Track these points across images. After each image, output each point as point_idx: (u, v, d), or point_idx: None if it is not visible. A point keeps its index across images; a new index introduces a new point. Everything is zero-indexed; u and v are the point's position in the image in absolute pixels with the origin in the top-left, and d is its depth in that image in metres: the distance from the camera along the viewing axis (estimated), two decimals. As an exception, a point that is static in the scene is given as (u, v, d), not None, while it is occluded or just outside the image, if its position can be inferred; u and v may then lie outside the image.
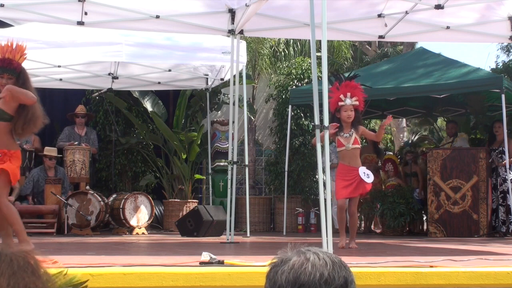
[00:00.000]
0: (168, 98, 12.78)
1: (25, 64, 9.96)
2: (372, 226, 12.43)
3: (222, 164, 11.78)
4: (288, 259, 1.61)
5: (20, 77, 5.67)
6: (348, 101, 7.00)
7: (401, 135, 17.40)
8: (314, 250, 1.63)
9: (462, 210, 9.91)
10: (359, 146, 7.18)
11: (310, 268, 1.58)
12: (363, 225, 12.14)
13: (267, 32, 9.32)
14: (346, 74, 12.11)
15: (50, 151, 10.19)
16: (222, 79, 11.19)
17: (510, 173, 10.00)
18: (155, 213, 10.83)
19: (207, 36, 9.50)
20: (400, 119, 16.36)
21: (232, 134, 8.84)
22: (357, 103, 7.06)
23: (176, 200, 11.58)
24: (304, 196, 12.25)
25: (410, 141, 13.55)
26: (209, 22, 8.22)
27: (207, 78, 11.53)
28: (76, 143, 10.64)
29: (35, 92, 5.77)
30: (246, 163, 9.46)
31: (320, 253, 1.62)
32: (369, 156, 11.92)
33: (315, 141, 6.84)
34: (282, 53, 13.68)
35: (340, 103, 7.01)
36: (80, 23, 7.68)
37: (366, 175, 7.05)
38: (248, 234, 9.46)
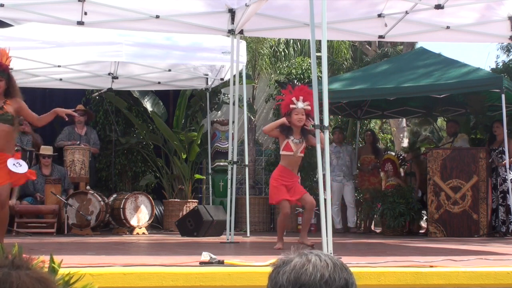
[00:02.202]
0: (168, 98, 12.78)
1: (25, 64, 10.04)
2: (372, 226, 12.44)
3: (222, 164, 11.77)
4: (289, 260, 1.62)
5: (10, 78, 5.89)
6: (300, 104, 6.71)
7: (401, 135, 17.39)
8: (316, 253, 1.64)
9: (462, 210, 9.91)
10: (302, 155, 6.98)
11: (311, 269, 1.59)
12: (363, 225, 12.14)
13: (267, 32, 9.32)
14: (347, 74, 12.14)
15: (45, 149, 10.20)
16: (222, 79, 11.19)
17: (510, 173, 10.00)
18: (155, 213, 10.83)
19: (207, 36, 9.50)
20: (400, 119, 16.35)
21: (232, 134, 8.84)
22: (309, 107, 6.74)
23: (176, 200, 11.58)
24: (304, 196, 12.22)
25: (413, 142, 13.55)
26: (209, 22, 8.22)
27: (207, 78, 11.53)
28: (78, 143, 10.64)
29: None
30: (246, 163, 9.46)
31: (322, 255, 1.63)
32: (367, 157, 11.93)
33: (267, 129, 6.86)
34: (282, 53, 13.68)
35: (292, 106, 6.69)
36: (80, 23, 7.68)
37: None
38: (248, 234, 9.45)
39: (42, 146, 10.28)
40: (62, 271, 2.54)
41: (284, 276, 1.59)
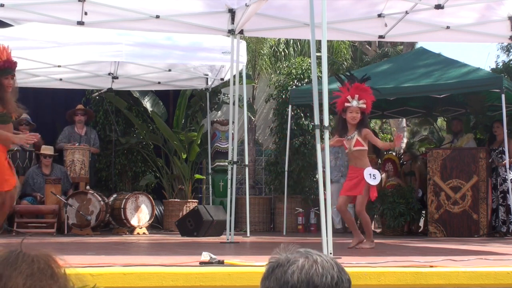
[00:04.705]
0: (168, 98, 12.78)
1: (25, 64, 10.07)
2: (372, 226, 12.43)
3: (222, 164, 11.77)
4: (294, 259, 1.61)
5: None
6: (355, 103, 6.98)
7: (401, 135, 17.39)
8: (315, 252, 1.64)
9: (462, 210, 9.91)
10: (362, 147, 7.12)
11: (321, 270, 1.59)
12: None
13: (267, 32, 9.32)
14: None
15: (46, 149, 10.20)
16: (222, 79, 11.19)
17: (510, 173, 10.00)
18: (155, 213, 10.83)
19: (207, 36, 9.50)
20: (400, 119, 16.36)
21: (232, 134, 8.84)
22: (364, 106, 7.03)
23: (176, 200, 11.58)
24: (304, 196, 12.25)
25: (412, 142, 13.55)
26: (209, 22, 8.22)
27: (207, 78, 11.52)
28: (77, 144, 10.64)
29: None
30: (246, 163, 9.46)
31: (323, 255, 1.63)
32: (368, 157, 11.91)
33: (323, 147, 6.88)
34: (282, 53, 13.67)
35: (347, 104, 7.00)
36: (80, 23, 7.68)
37: (372, 176, 6.99)
38: (248, 234, 9.45)
39: (43, 146, 10.28)
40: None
41: (294, 276, 1.58)
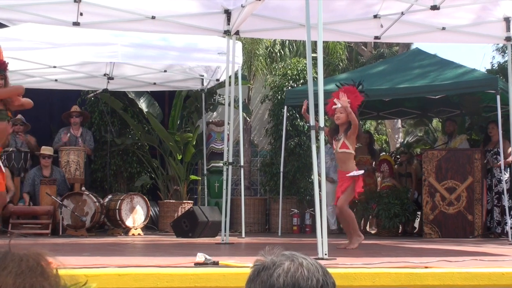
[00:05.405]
0: (163, 98, 12.77)
1: (20, 65, 10.07)
2: (367, 227, 12.44)
3: (217, 165, 11.76)
4: (280, 262, 1.62)
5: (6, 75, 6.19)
6: (339, 104, 7.09)
7: (396, 136, 17.42)
8: (300, 255, 1.65)
9: (457, 211, 9.92)
10: (348, 150, 7.15)
11: (307, 273, 1.59)
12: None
13: (262, 33, 9.32)
14: (343, 75, 12.16)
15: (45, 149, 10.19)
16: (217, 80, 11.19)
17: (505, 174, 10.01)
18: (150, 214, 10.81)
19: (203, 37, 9.49)
20: (396, 120, 16.37)
21: (228, 135, 8.84)
22: (347, 104, 7.11)
23: (171, 201, 11.57)
24: (299, 197, 12.25)
25: (405, 142, 13.56)
26: (204, 23, 8.22)
27: (202, 79, 11.52)
28: (70, 141, 10.63)
29: None
30: (242, 164, 9.46)
31: (308, 258, 1.64)
32: (363, 158, 11.93)
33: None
34: (278, 54, 13.68)
35: (333, 107, 7.12)
36: (76, 24, 7.67)
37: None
38: (243, 235, 9.45)
39: (43, 147, 10.27)
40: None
41: (280, 279, 1.59)
